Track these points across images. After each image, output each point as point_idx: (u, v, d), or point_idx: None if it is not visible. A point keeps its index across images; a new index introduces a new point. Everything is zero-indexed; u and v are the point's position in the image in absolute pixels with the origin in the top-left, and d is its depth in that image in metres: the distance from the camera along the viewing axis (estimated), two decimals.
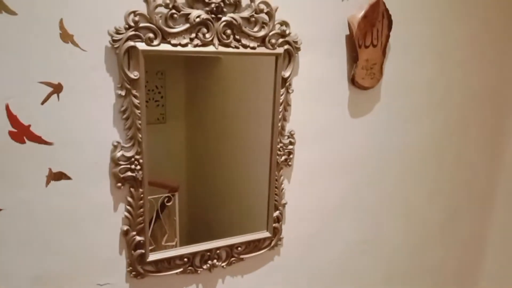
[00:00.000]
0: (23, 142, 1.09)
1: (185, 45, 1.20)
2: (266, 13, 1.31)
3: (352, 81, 1.56)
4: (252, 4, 1.28)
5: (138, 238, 1.28)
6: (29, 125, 1.09)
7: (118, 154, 1.19)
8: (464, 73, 1.91)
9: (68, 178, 1.16)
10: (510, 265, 2.31)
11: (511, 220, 2.27)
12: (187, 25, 1.19)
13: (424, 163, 1.93)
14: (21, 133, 1.08)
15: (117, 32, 1.11)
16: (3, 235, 1.12)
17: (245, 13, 1.27)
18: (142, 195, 1.25)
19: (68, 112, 1.12)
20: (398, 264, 2.04)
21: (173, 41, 1.18)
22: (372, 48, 1.54)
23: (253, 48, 1.31)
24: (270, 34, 1.33)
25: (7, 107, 1.05)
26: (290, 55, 1.40)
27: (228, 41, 1.26)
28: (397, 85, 1.71)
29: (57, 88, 1.10)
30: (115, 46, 1.11)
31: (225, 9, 1.24)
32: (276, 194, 1.50)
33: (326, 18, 1.46)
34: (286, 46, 1.37)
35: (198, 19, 1.20)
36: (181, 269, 1.38)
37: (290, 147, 1.49)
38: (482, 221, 2.32)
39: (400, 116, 1.76)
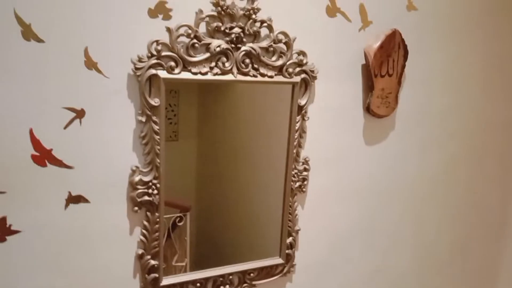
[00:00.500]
0: (44, 165, 1.11)
1: (205, 73, 1.22)
2: (284, 43, 1.33)
3: (367, 109, 1.56)
4: (271, 34, 1.30)
5: (152, 262, 1.28)
6: (51, 149, 1.10)
7: (136, 178, 1.20)
8: (478, 104, 1.91)
9: (87, 201, 1.18)
10: None
11: None
12: (208, 54, 1.21)
13: (436, 192, 1.91)
14: (43, 156, 1.10)
15: (140, 60, 1.13)
16: (21, 256, 1.13)
17: (264, 43, 1.30)
18: (158, 219, 1.25)
19: (89, 136, 1.14)
20: None
21: (193, 70, 1.20)
22: (388, 78, 1.55)
23: (271, 76, 1.33)
24: (288, 63, 1.35)
25: (30, 131, 1.07)
26: (306, 84, 1.41)
27: (247, 70, 1.28)
28: (412, 114, 1.71)
29: (80, 114, 1.12)
30: (137, 74, 1.13)
31: (244, 39, 1.26)
32: (289, 220, 1.49)
33: (343, 47, 1.48)
34: (303, 75, 1.39)
35: (218, 49, 1.22)
36: None
37: (305, 173, 1.50)
38: (493, 253, 2.28)
39: (413, 145, 1.76)
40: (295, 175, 1.47)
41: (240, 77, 1.28)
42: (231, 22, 1.23)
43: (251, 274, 1.47)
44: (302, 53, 1.37)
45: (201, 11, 1.18)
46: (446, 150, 1.87)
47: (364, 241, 1.76)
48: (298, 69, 1.38)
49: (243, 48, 1.26)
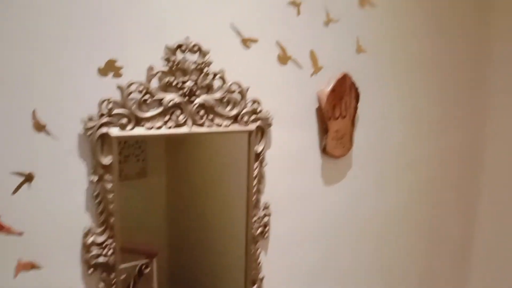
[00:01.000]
0: None
1: (159, 127, 1.21)
2: (239, 93, 1.34)
3: (324, 150, 1.59)
4: (224, 85, 1.31)
5: None
6: None
7: (90, 240, 1.16)
8: (433, 135, 1.98)
9: (38, 267, 1.12)
10: None
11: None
12: (161, 109, 1.20)
13: (398, 226, 1.95)
14: None
15: (90, 119, 1.11)
16: None
17: (218, 95, 1.30)
18: (114, 280, 1.20)
19: (39, 200, 1.10)
20: None
21: (147, 125, 1.19)
22: (342, 120, 1.59)
23: (226, 126, 1.33)
24: (243, 112, 1.36)
25: None
26: (262, 131, 1.42)
27: (202, 121, 1.28)
28: (368, 152, 1.75)
29: (29, 178, 1.07)
30: (88, 133, 1.11)
31: (197, 92, 1.26)
32: (253, 268, 1.47)
33: (297, 93, 1.51)
34: (258, 123, 1.40)
35: (171, 103, 1.22)
36: None
37: (266, 219, 1.49)
38: (456, 284, 2.33)
39: (372, 181, 1.80)
40: (256, 221, 1.46)
41: (195, 129, 1.27)
42: (183, 76, 1.23)
43: None
44: (256, 101, 1.38)
45: (151, 68, 1.18)
46: (404, 182, 1.91)
47: (329, 281, 1.75)
48: (253, 117, 1.39)
49: (196, 100, 1.26)
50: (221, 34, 1.32)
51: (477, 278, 2.30)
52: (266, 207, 1.49)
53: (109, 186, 1.15)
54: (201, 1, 1.26)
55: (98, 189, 1.15)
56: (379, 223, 1.86)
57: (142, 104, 1.18)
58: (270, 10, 1.40)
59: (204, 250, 1.55)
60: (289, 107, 1.50)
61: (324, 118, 1.54)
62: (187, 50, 1.22)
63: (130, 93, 1.15)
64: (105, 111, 1.12)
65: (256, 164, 1.42)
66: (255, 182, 1.43)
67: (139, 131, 1.18)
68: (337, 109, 1.56)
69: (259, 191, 1.45)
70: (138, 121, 1.18)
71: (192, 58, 1.24)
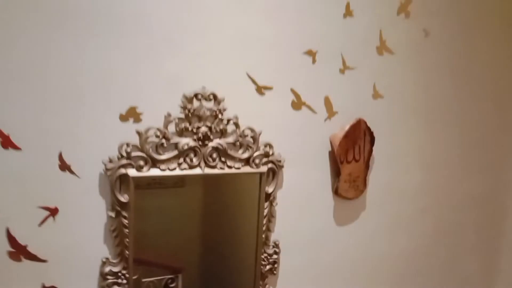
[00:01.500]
0: (19, 260, 1.17)
1: (173, 169, 1.30)
2: (251, 137, 1.41)
3: (336, 192, 1.61)
4: (237, 130, 1.38)
5: None
6: (26, 245, 1.17)
7: (106, 269, 1.26)
8: (453, 180, 1.95)
9: None
10: None
11: None
12: (176, 152, 1.29)
13: (413, 269, 1.92)
14: (19, 252, 1.17)
15: (110, 161, 1.21)
16: None
17: (231, 139, 1.37)
18: None
19: (63, 232, 1.21)
20: None
21: (162, 166, 1.28)
22: (355, 163, 1.61)
23: (238, 168, 1.40)
24: (255, 155, 1.42)
25: (7, 231, 1.14)
26: (274, 172, 1.47)
27: (214, 163, 1.35)
28: (382, 194, 1.75)
29: (54, 212, 1.19)
30: (108, 174, 1.21)
31: (211, 136, 1.34)
32: None
33: (309, 137, 1.55)
34: (269, 165, 1.45)
35: (186, 146, 1.30)
36: None
37: (275, 256, 1.53)
38: None
39: (385, 223, 1.79)
40: (265, 258, 1.51)
41: (208, 171, 1.35)
42: (198, 122, 1.32)
43: None
44: (268, 145, 1.44)
45: (169, 115, 1.27)
46: (419, 227, 1.89)
47: None
48: (265, 159, 1.44)
49: (210, 144, 1.34)
50: (237, 82, 1.39)
51: None
52: (276, 245, 1.53)
53: (125, 221, 1.25)
54: (218, 52, 1.35)
55: (115, 224, 1.25)
56: (392, 266, 1.84)
57: (159, 147, 1.27)
58: (286, 59, 1.46)
59: (218, 276, 1.59)
60: (301, 150, 1.54)
61: (336, 162, 1.57)
62: (203, 98, 1.31)
63: (148, 137, 1.25)
64: (124, 153, 1.22)
65: (266, 204, 1.47)
66: (265, 220, 1.48)
67: (155, 172, 1.27)
68: (350, 153, 1.59)
69: (269, 229, 1.50)
70: (154, 163, 1.27)
71: (208, 105, 1.33)
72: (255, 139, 1.41)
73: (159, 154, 1.28)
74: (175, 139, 1.29)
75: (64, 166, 1.19)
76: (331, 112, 1.57)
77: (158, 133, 1.26)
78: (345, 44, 1.56)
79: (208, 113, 1.32)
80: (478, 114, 1.96)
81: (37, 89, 1.13)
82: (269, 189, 1.47)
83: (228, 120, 1.36)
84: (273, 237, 1.53)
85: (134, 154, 1.24)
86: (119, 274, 1.27)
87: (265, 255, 1.51)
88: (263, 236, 1.49)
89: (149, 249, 1.34)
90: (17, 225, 1.15)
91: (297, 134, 1.53)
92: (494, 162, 2.07)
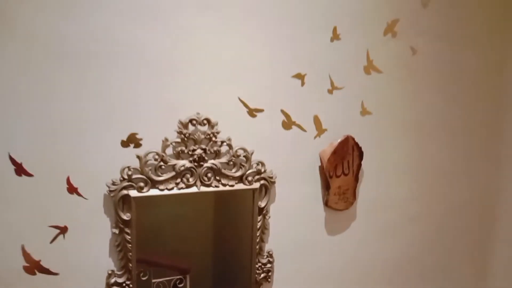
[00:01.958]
0: (34, 274, 1.29)
1: (171, 189, 1.40)
2: (244, 156, 1.50)
3: (326, 204, 1.70)
4: (231, 150, 1.47)
5: None
6: (40, 260, 1.29)
7: (112, 280, 1.37)
8: (442, 189, 2.01)
9: None
10: None
11: None
12: (173, 173, 1.40)
13: (403, 276, 1.99)
14: (33, 267, 1.29)
15: (113, 183, 1.32)
16: None
17: (224, 159, 1.47)
18: None
19: (72, 247, 1.32)
20: None
21: (160, 187, 1.38)
22: (344, 177, 1.69)
23: (232, 185, 1.49)
24: (247, 173, 1.51)
25: (22, 248, 1.26)
26: (266, 188, 1.56)
27: (209, 182, 1.45)
28: (372, 205, 1.83)
29: (63, 230, 1.31)
30: (112, 195, 1.32)
31: (206, 158, 1.44)
32: None
33: (300, 154, 1.64)
34: (262, 181, 1.55)
35: (183, 168, 1.40)
36: None
37: (269, 265, 1.63)
38: None
39: (375, 232, 1.87)
40: (260, 267, 1.61)
41: (203, 189, 1.45)
42: (194, 145, 1.41)
43: None
44: (260, 163, 1.53)
45: (166, 139, 1.37)
46: (408, 235, 1.96)
47: None
48: (257, 176, 1.54)
49: (205, 165, 1.44)
50: (229, 106, 1.49)
51: None
52: (269, 255, 1.63)
53: (128, 237, 1.36)
54: (211, 80, 1.44)
55: (119, 240, 1.36)
56: (382, 273, 1.92)
57: (157, 169, 1.37)
58: (276, 83, 1.54)
59: (219, 281, 1.68)
60: (293, 166, 1.63)
61: (325, 177, 1.65)
62: (197, 123, 1.41)
63: (147, 161, 1.35)
64: (125, 176, 1.33)
65: (259, 217, 1.57)
66: (258, 232, 1.57)
67: (154, 192, 1.38)
68: (339, 168, 1.67)
69: (262, 240, 1.60)
70: (154, 184, 1.38)
71: (202, 129, 1.42)
72: (247, 158, 1.51)
73: (158, 175, 1.38)
74: (173, 161, 1.39)
75: (72, 189, 1.30)
76: (320, 130, 1.65)
77: (157, 157, 1.36)
78: (333, 66, 1.63)
79: (202, 136, 1.42)
80: (464, 124, 2.02)
81: (45, 120, 1.24)
82: (262, 204, 1.56)
83: (222, 142, 1.46)
84: (267, 247, 1.62)
85: (135, 176, 1.34)
86: (124, 284, 1.39)
87: (260, 264, 1.61)
88: (257, 247, 1.59)
89: (153, 257, 1.45)
90: (31, 242, 1.27)
91: (288, 152, 1.61)
92: (480, 170, 2.12)
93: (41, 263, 1.30)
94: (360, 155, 1.72)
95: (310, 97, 1.61)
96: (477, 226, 2.16)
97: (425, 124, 1.90)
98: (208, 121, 1.42)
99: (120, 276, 1.39)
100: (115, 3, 1.28)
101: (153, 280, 1.44)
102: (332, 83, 1.64)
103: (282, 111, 1.57)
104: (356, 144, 1.69)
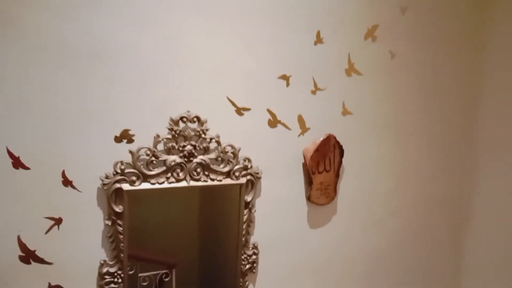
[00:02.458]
0: (29, 263, 1.32)
1: (162, 183, 1.45)
2: (232, 153, 1.55)
3: (309, 199, 1.76)
4: (219, 147, 1.53)
5: None
6: (35, 250, 1.32)
7: (104, 270, 1.41)
8: (420, 185, 2.09)
9: None
10: None
11: None
12: (164, 168, 1.44)
13: (383, 267, 2.07)
14: (28, 256, 1.32)
15: (107, 177, 1.36)
16: None
17: (213, 155, 1.52)
18: None
19: (66, 238, 1.36)
20: None
21: (152, 181, 1.43)
22: (326, 173, 1.76)
23: (220, 180, 1.54)
24: (235, 168, 1.57)
25: (18, 238, 1.29)
26: (252, 183, 1.62)
27: (198, 177, 1.50)
28: (352, 200, 1.90)
29: (58, 221, 1.34)
30: (105, 188, 1.36)
31: (196, 153, 1.48)
32: None
33: (285, 150, 1.70)
34: (248, 177, 1.60)
35: (173, 163, 1.45)
36: None
37: (254, 257, 1.68)
38: None
39: (355, 226, 1.94)
40: (245, 258, 1.66)
41: (193, 183, 1.50)
42: (184, 141, 1.46)
43: None
44: (247, 159, 1.59)
45: (158, 136, 1.42)
46: (389, 228, 2.04)
47: None
48: (244, 172, 1.59)
49: (195, 160, 1.48)
50: (218, 105, 1.54)
51: None
52: (255, 247, 1.68)
53: (120, 229, 1.40)
54: (201, 79, 1.49)
55: (111, 231, 1.40)
56: (362, 265, 1.99)
57: (149, 164, 1.42)
58: (262, 84, 1.60)
59: (206, 273, 1.73)
60: (277, 163, 1.69)
61: (309, 173, 1.71)
62: (188, 121, 1.45)
63: (139, 156, 1.40)
64: (118, 170, 1.37)
65: (246, 211, 1.62)
66: (244, 225, 1.63)
67: (145, 186, 1.42)
68: (321, 165, 1.74)
69: (248, 233, 1.65)
70: (145, 178, 1.42)
71: (192, 126, 1.47)
72: (235, 154, 1.56)
73: (150, 170, 1.42)
74: (164, 157, 1.44)
75: (67, 182, 1.34)
76: (304, 129, 1.71)
77: (149, 152, 1.41)
78: (317, 68, 1.70)
79: (192, 133, 1.47)
80: (441, 124, 2.10)
81: (43, 116, 1.28)
82: (248, 198, 1.62)
83: (211, 139, 1.51)
84: (252, 239, 1.68)
85: (127, 170, 1.38)
86: (115, 274, 1.42)
87: (245, 255, 1.66)
88: (243, 239, 1.64)
89: (141, 251, 1.50)
90: (27, 233, 1.30)
91: (274, 149, 1.67)
92: (457, 167, 2.21)
93: (36, 253, 1.33)
94: (341, 152, 1.79)
95: (295, 97, 1.67)
96: (453, 221, 2.25)
97: (403, 123, 1.98)
98: (198, 118, 1.47)
99: (112, 266, 1.42)
100: (111, 7, 1.32)
101: (140, 274, 1.48)
102: (315, 84, 1.71)
103: (268, 110, 1.63)
104: (338, 142, 1.76)
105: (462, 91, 2.15)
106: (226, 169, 1.55)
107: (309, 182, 1.74)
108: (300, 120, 1.70)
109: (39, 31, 1.24)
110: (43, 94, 1.27)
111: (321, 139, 1.72)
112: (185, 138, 1.47)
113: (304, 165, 1.73)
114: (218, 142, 1.52)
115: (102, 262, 1.42)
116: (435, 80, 2.04)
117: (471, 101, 2.18)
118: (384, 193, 1.99)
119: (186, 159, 1.47)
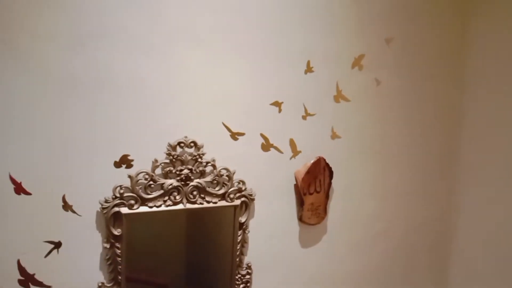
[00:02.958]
0: (28, 287, 1.31)
1: (159, 206, 1.46)
2: (227, 176, 1.58)
3: (300, 219, 1.79)
4: (215, 170, 1.55)
5: None
6: (34, 274, 1.32)
7: None
8: (403, 206, 2.12)
9: None
10: None
11: None
12: (162, 191, 1.46)
13: (371, 284, 2.09)
14: (27, 280, 1.31)
15: (106, 201, 1.37)
16: None
17: (209, 178, 1.54)
18: None
19: (65, 261, 1.36)
20: None
21: (150, 204, 1.44)
22: (316, 194, 1.79)
23: (215, 202, 1.56)
24: (230, 191, 1.59)
25: (18, 262, 1.29)
26: (246, 204, 1.64)
27: (195, 199, 1.52)
28: (341, 220, 1.93)
29: (57, 245, 1.34)
30: (104, 212, 1.37)
31: (192, 177, 1.50)
32: None
33: (277, 173, 1.73)
34: (242, 199, 1.62)
35: (170, 186, 1.47)
36: None
37: (248, 277, 1.69)
38: None
39: (344, 245, 1.96)
40: (239, 278, 1.67)
41: (189, 206, 1.52)
42: (181, 165, 1.48)
43: None
44: (241, 181, 1.61)
45: (156, 160, 1.44)
46: (376, 247, 2.06)
47: None
48: (238, 194, 1.61)
49: (191, 183, 1.50)
50: (214, 131, 1.57)
51: None
52: (248, 267, 1.69)
53: (118, 251, 1.40)
54: (198, 106, 1.52)
55: (109, 254, 1.40)
56: (351, 282, 2.02)
57: (147, 188, 1.43)
58: (255, 110, 1.64)
59: None
60: (270, 184, 1.71)
61: (300, 194, 1.74)
62: (185, 146, 1.48)
63: (138, 180, 1.41)
64: (117, 194, 1.38)
65: (240, 232, 1.64)
66: (238, 246, 1.64)
67: (143, 209, 1.43)
68: (312, 186, 1.77)
69: (242, 253, 1.66)
70: (143, 201, 1.43)
71: (189, 151, 1.49)
72: (230, 177, 1.58)
73: (148, 193, 1.44)
74: (161, 181, 1.46)
75: (67, 207, 1.34)
76: (295, 152, 1.75)
77: (147, 176, 1.42)
78: (307, 95, 1.74)
79: (189, 157, 1.49)
80: (423, 148, 2.15)
81: (44, 143, 1.29)
82: (242, 219, 1.64)
83: (207, 163, 1.53)
84: (246, 259, 1.69)
85: (126, 194, 1.40)
86: None
87: (239, 275, 1.67)
88: (237, 259, 1.65)
89: (138, 273, 1.50)
90: (27, 257, 1.30)
91: (267, 171, 1.70)
92: (440, 189, 2.25)
93: (35, 276, 1.32)
94: (331, 174, 1.82)
95: (286, 122, 1.71)
96: (436, 240, 2.29)
97: (388, 147, 2.03)
98: (195, 143, 1.50)
99: None
100: (116, 40, 1.36)
101: None
102: (305, 110, 1.75)
103: (261, 134, 1.66)
104: (327, 164, 1.80)
105: (444, 118, 2.21)
106: (221, 191, 1.57)
107: (300, 203, 1.77)
108: (292, 144, 1.74)
109: (46, 61, 1.27)
110: (46, 122, 1.28)
111: (312, 161, 1.75)
112: (182, 163, 1.49)
113: (296, 186, 1.76)
114: (214, 166, 1.55)
115: (100, 284, 1.41)
116: (418, 106, 2.10)
117: (453, 127, 2.24)
118: (370, 214, 2.02)
119: (183, 183, 1.49)
